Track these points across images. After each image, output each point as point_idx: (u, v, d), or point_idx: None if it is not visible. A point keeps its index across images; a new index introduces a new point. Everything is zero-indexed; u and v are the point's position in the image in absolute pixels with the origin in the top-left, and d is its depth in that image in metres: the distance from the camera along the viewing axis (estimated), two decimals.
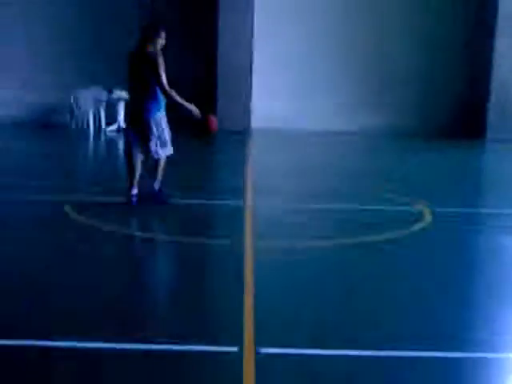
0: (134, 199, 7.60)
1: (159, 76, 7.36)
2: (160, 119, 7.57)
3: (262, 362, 3.81)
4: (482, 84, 17.02)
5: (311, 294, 5.10)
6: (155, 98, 7.48)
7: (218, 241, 6.53)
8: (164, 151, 7.70)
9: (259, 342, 4.06)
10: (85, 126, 16.12)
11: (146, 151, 7.68)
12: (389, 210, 8.24)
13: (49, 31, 16.90)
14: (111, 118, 15.83)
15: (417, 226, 7.24)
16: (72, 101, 16.17)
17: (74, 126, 16.14)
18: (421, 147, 15.34)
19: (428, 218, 7.65)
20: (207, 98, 16.39)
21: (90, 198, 8.07)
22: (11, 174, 9.73)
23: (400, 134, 17.00)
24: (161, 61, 7.39)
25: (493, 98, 16.73)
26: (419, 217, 7.68)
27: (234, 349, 3.96)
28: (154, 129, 7.53)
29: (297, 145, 15.18)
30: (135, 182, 7.62)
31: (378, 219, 7.77)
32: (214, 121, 8.01)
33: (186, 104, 7.56)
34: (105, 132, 15.64)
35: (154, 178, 7.79)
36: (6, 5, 16.70)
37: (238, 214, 7.64)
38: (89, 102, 16.02)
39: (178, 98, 7.48)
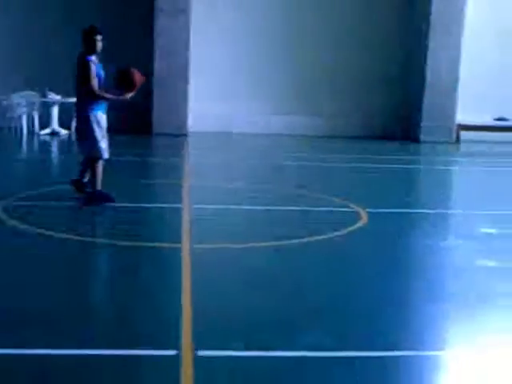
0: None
1: (89, 81, 7.61)
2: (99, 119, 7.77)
3: (200, 364, 3.79)
4: (415, 85, 17.33)
5: (249, 296, 5.10)
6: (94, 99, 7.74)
7: (155, 244, 6.47)
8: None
9: (197, 344, 4.03)
10: (18, 130, 15.77)
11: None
12: (324, 211, 8.32)
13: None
14: (46, 122, 15.52)
15: (355, 226, 7.34)
16: (5, 104, 15.80)
17: (6, 130, 15.78)
18: (354, 149, 15.52)
19: (364, 218, 7.75)
20: (144, 100, 16.29)
21: (23, 202, 7.90)
22: None
23: (335, 136, 17.18)
24: (92, 66, 7.60)
25: (425, 100, 17.05)
26: (356, 217, 7.78)
27: (172, 352, 3.92)
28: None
29: (233, 147, 15.18)
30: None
31: (315, 220, 7.84)
32: (136, 73, 7.95)
33: (115, 97, 7.90)
34: (38, 135, 15.32)
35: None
36: None
37: (175, 216, 7.60)
38: (22, 106, 15.68)
39: (108, 95, 7.80)
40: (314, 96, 17.68)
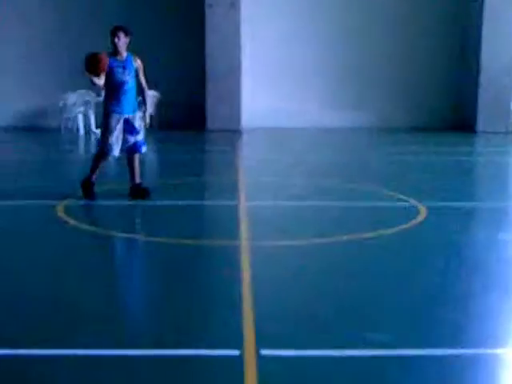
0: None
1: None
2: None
3: (263, 364, 3.78)
4: (471, 74, 17.01)
5: (312, 294, 5.07)
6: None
7: (214, 242, 6.49)
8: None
9: (260, 344, 4.02)
10: (74, 129, 16.04)
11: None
12: (384, 207, 8.22)
13: (43, 34, 16.88)
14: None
15: (413, 222, 7.23)
16: (61, 104, 16.09)
17: (63, 130, 16.07)
18: (409, 142, 15.31)
19: (423, 213, 7.63)
20: (197, 97, 16.39)
21: (81, 202, 8.02)
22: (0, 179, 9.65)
23: (388, 129, 17.02)
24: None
25: (482, 89, 16.70)
26: (414, 212, 7.66)
27: (236, 352, 3.92)
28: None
29: (287, 143, 15.13)
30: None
31: (375, 216, 7.75)
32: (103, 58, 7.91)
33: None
34: (94, 134, 15.54)
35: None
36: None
37: (232, 214, 7.61)
38: (78, 105, 15.94)
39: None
40: (366, 88, 17.53)
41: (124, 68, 7.97)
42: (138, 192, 8.15)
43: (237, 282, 5.17)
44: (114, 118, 7.97)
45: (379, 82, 17.52)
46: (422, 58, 17.48)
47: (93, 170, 8.18)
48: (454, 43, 17.44)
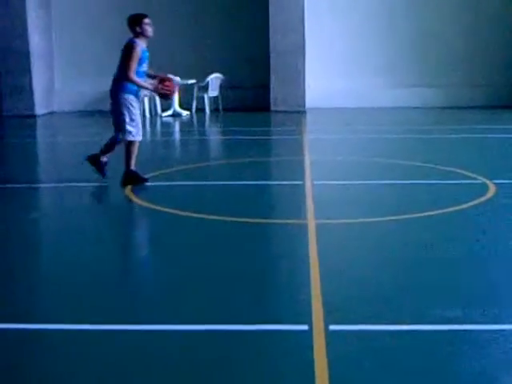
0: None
1: (128, 61, 7.72)
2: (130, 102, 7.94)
3: (332, 339, 3.84)
4: None
5: (377, 270, 5.10)
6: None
7: (281, 220, 6.57)
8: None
9: (328, 319, 4.08)
10: (141, 113, 16.29)
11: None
12: (452, 184, 8.15)
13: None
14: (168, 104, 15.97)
15: (482, 199, 7.15)
16: None
17: None
18: (478, 120, 15.03)
19: (492, 190, 7.54)
20: (262, 77, 16.44)
21: (152, 183, 8.20)
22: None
23: (456, 107, 16.74)
24: (136, 48, 7.74)
25: None
26: (483, 189, 7.57)
27: (305, 327, 3.99)
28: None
29: (351, 122, 15.05)
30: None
31: (442, 193, 7.70)
32: (170, 85, 8.06)
33: (146, 85, 8.01)
34: (161, 117, 15.80)
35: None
36: None
37: (298, 193, 7.66)
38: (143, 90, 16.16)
39: (140, 82, 7.88)
40: (433, 66, 17.25)
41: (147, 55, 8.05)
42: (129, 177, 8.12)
43: (306, 258, 5.24)
44: (134, 101, 8.02)
45: (450, 59, 17.20)
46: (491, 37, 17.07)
47: (106, 151, 8.28)
48: None
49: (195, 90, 16.25)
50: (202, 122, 15.43)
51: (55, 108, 17.42)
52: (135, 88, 7.96)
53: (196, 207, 7.11)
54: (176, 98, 15.67)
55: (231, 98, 16.74)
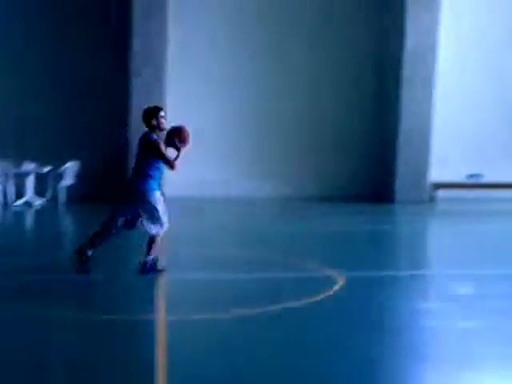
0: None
1: (163, 158, 7.70)
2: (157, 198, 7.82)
3: None
4: (390, 143, 17.21)
5: (223, 367, 4.99)
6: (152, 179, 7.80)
7: (130, 317, 6.36)
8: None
9: None
10: None
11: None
12: (299, 277, 8.23)
13: None
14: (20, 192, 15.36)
15: (330, 291, 7.26)
16: None
17: None
18: (328, 212, 15.44)
19: (340, 282, 7.68)
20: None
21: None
22: None
23: (309, 199, 17.02)
24: (161, 144, 7.71)
25: (398, 159, 16.92)
26: (331, 282, 7.70)
27: None
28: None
29: (203, 212, 15.07)
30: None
31: (289, 286, 7.77)
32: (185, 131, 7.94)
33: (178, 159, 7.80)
34: (13, 206, 15.11)
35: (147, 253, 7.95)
36: None
37: (148, 286, 7.49)
38: None
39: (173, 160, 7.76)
40: (281, 158, 17.63)
41: None
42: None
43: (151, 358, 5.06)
44: (160, 196, 7.89)
45: (299, 151, 17.65)
46: (345, 127, 17.78)
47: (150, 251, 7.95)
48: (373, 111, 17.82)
49: (50, 177, 15.76)
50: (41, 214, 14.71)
51: None
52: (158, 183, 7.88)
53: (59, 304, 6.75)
54: (31, 186, 15.19)
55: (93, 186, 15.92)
